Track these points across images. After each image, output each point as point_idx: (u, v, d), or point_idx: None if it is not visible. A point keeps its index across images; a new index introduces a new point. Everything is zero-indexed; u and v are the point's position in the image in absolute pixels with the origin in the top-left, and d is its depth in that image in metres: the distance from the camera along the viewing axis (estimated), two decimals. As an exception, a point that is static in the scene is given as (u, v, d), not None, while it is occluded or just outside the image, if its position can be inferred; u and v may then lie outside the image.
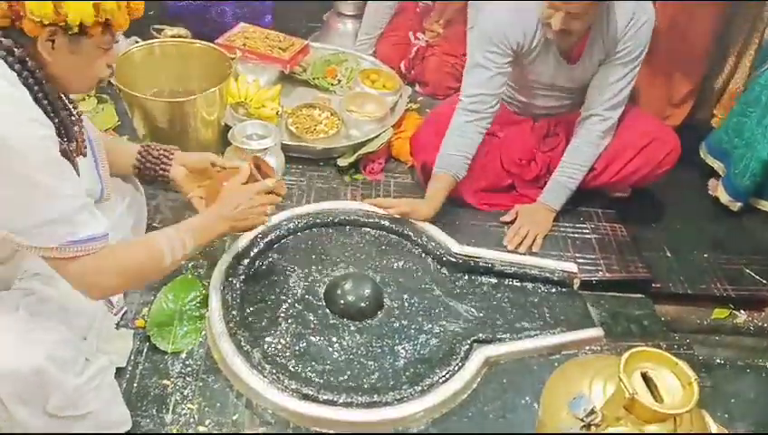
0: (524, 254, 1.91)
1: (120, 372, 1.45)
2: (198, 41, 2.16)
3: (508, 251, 1.91)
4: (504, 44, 1.84)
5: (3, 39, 1.04)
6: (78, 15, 1.04)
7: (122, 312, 1.61)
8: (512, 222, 2.01)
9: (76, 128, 1.22)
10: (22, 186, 1.02)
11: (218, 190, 1.48)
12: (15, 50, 1.05)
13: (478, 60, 1.87)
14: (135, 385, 1.47)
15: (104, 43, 1.13)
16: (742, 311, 1.93)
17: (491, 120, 1.94)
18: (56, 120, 1.12)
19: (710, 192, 2.31)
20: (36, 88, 1.08)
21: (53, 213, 1.05)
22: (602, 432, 1.12)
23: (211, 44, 2.17)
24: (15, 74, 1.05)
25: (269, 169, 1.59)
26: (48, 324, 1.17)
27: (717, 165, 2.29)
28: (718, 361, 1.76)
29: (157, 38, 2.39)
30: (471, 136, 1.92)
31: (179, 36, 2.45)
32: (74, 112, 1.24)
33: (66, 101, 1.21)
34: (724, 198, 2.22)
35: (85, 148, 1.26)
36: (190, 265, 1.75)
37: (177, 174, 1.53)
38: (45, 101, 1.10)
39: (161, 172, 1.52)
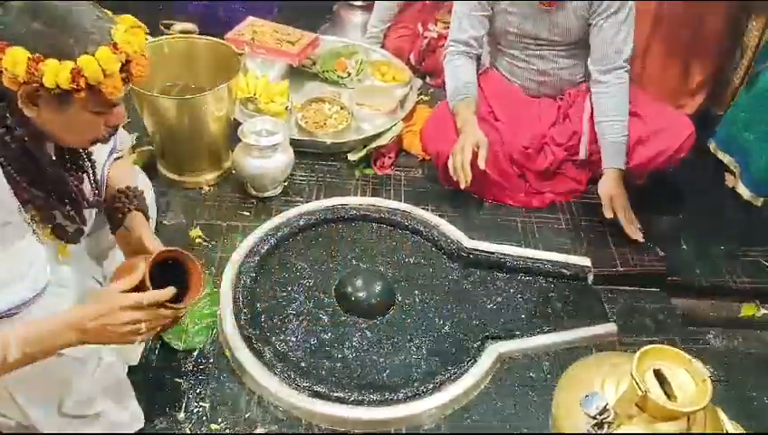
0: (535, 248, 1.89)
1: (132, 370, 1.45)
2: (207, 36, 2.15)
3: (520, 245, 1.90)
4: None
5: None
6: (53, 78, 0.95)
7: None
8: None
9: (86, 186, 1.17)
10: None
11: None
12: None
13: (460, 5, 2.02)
14: (148, 383, 1.47)
15: (96, 106, 1.03)
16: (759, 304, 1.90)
17: (478, 59, 2.11)
18: (45, 183, 1.07)
19: (727, 183, 2.27)
20: (14, 146, 1.01)
21: None
22: (615, 432, 1.11)
23: (220, 40, 2.16)
24: None
25: (196, 273, 1.19)
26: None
27: (728, 159, 2.25)
28: (735, 355, 1.73)
29: (166, 34, 2.39)
30: (468, 68, 2.05)
31: (188, 31, 2.44)
32: (84, 166, 1.18)
33: (73, 155, 1.16)
34: (745, 193, 2.17)
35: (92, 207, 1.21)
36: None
37: (118, 234, 1.32)
38: (24, 159, 1.03)
39: (111, 226, 1.34)
